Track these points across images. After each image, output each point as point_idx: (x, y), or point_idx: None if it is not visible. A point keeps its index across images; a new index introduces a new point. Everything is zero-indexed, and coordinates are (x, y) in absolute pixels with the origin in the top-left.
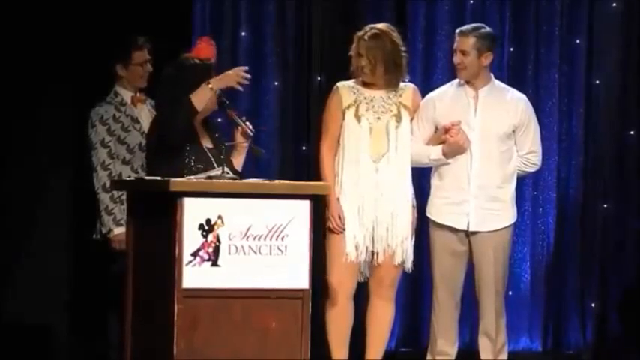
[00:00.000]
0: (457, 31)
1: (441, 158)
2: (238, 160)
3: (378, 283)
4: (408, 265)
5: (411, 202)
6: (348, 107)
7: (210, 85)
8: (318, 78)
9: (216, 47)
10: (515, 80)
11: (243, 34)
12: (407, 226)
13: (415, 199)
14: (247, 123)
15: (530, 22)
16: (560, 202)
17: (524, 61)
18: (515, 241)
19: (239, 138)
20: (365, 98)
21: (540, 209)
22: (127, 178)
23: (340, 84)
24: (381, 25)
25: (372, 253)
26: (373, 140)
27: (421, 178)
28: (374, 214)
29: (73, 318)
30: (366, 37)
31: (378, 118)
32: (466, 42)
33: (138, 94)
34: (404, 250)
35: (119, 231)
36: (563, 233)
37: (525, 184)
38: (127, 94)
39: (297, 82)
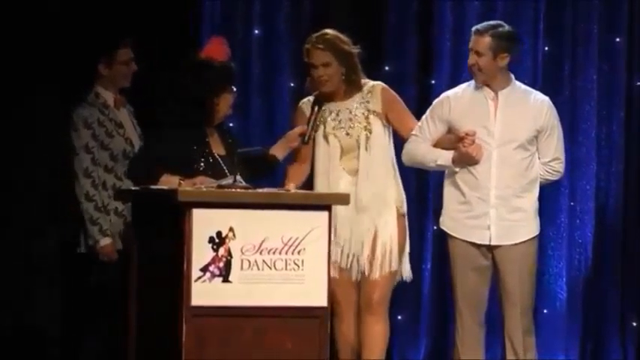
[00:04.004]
0: (473, 29)
1: (449, 165)
2: (282, 154)
3: (367, 300)
4: (406, 274)
5: (398, 210)
6: None
7: (181, 184)
8: None
9: (227, 47)
10: (550, 82)
11: (256, 32)
12: (387, 239)
13: (406, 207)
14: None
15: (566, 19)
16: (599, 213)
17: (559, 61)
18: (551, 255)
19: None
20: (330, 113)
21: (577, 220)
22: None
23: (302, 102)
24: (325, 30)
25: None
26: (345, 158)
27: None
28: (349, 230)
29: (64, 329)
30: (310, 45)
31: (347, 134)
32: (481, 41)
33: (119, 96)
34: (388, 263)
35: (105, 242)
36: (602, 247)
37: (562, 194)
38: (108, 96)
39: None
